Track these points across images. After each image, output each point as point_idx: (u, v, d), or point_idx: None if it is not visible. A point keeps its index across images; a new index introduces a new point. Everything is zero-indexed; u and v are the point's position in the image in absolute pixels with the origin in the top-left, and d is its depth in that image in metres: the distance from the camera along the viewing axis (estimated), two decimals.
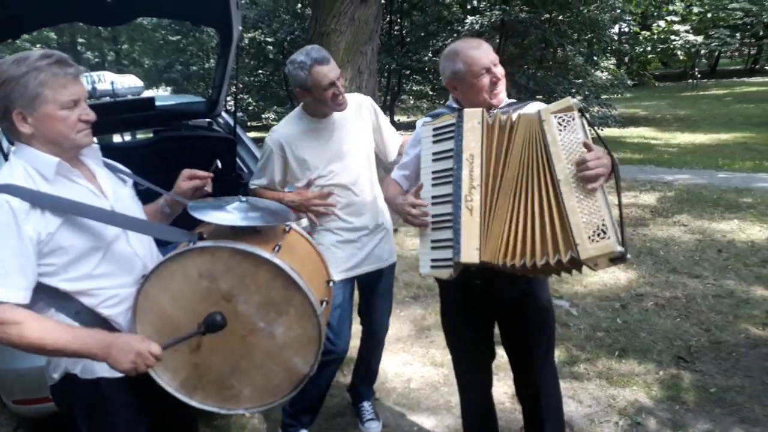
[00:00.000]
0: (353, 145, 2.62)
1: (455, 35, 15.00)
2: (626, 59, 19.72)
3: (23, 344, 1.45)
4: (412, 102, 19.14)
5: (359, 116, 2.67)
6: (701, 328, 3.82)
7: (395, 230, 6.22)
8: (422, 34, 16.25)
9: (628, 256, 1.75)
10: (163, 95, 8.55)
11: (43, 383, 2.47)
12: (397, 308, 4.39)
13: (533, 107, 2.00)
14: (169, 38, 22.03)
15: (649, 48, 20.26)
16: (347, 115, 2.62)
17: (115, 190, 1.70)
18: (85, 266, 1.56)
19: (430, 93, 17.84)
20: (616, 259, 1.69)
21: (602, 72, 15.10)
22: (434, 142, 1.96)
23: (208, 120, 3.78)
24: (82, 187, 1.60)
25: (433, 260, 1.90)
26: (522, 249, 1.77)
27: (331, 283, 1.84)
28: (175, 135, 3.50)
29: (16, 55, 1.51)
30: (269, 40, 16.70)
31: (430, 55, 16.07)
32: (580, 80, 13.81)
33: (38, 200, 1.47)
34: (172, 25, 21.04)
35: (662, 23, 19.83)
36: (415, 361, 3.60)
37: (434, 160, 1.95)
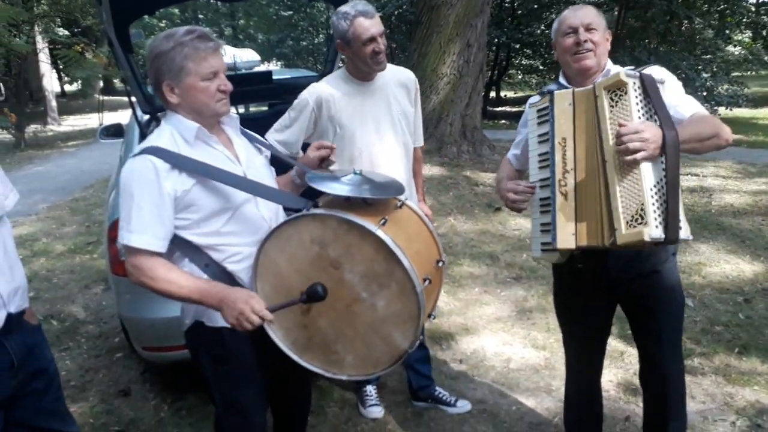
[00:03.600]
0: (394, 116, 2.55)
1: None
2: (764, 32, 17.87)
3: (155, 289, 1.63)
4: (520, 77, 18.52)
5: (404, 89, 2.60)
6: None
7: (497, 208, 6.16)
8: (535, 6, 15.57)
9: (686, 237, 1.70)
10: (277, 69, 8.86)
11: (169, 333, 2.73)
12: (497, 288, 4.34)
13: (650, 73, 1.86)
14: (282, 14, 22.71)
15: None
16: (391, 84, 2.55)
17: (248, 157, 1.83)
18: (215, 224, 1.70)
19: (541, 67, 17.17)
20: (660, 243, 1.66)
21: (735, 47, 13.81)
22: (538, 123, 1.94)
23: None
24: (218, 152, 1.74)
25: (543, 244, 1.90)
26: (595, 230, 1.76)
27: (440, 263, 1.81)
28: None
29: (166, 32, 1.68)
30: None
31: (542, 28, 15.41)
32: (709, 56, 12.72)
33: (177, 162, 1.64)
34: (285, 1, 21.65)
35: None
36: (515, 342, 3.55)
37: (539, 142, 1.93)
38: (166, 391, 3.18)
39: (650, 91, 1.71)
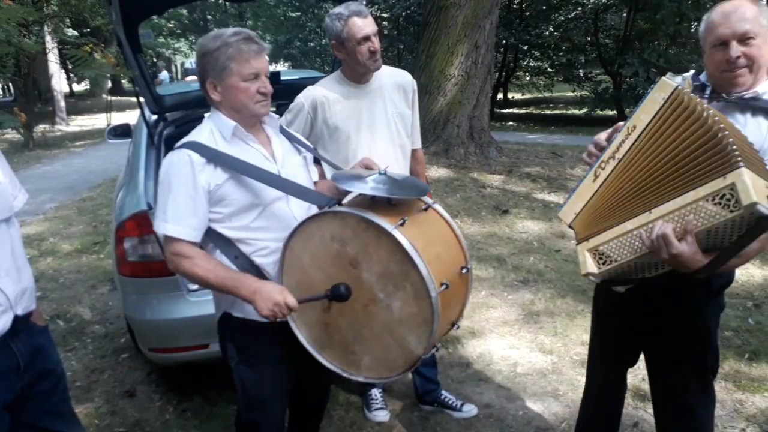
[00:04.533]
0: (389, 118, 2.54)
1: (579, 8, 14.24)
2: None
3: (191, 275, 1.73)
4: (528, 78, 18.47)
5: (401, 91, 2.59)
6: None
7: (505, 211, 6.13)
8: (543, 7, 15.53)
9: (618, 290, 1.73)
10: (285, 70, 8.88)
11: (175, 334, 2.73)
12: (504, 291, 4.32)
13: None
14: (290, 15, 22.76)
15: None
16: (388, 87, 2.54)
17: (285, 156, 1.89)
18: (245, 219, 1.77)
19: (549, 69, 17.10)
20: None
21: None
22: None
23: None
24: (255, 150, 1.81)
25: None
26: (588, 225, 1.73)
27: (464, 270, 1.77)
28: None
29: (215, 31, 1.77)
30: (385, 15, 16.75)
31: (551, 29, 15.36)
32: None
33: (213, 157, 1.71)
34: (293, 2, 21.70)
35: None
36: (521, 346, 3.52)
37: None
38: (171, 392, 3.18)
39: (754, 228, 1.39)
